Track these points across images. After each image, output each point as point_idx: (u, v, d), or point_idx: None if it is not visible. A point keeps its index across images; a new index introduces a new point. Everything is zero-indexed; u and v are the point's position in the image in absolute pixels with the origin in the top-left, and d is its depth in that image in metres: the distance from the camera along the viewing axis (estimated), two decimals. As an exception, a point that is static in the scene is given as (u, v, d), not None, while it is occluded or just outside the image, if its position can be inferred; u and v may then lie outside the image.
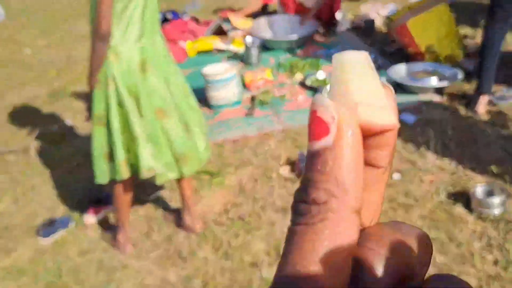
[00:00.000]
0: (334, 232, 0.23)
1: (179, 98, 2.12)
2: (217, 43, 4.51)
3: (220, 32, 4.76)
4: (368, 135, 0.26)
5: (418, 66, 3.58)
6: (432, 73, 3.44)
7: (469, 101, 3.11)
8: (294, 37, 4.40)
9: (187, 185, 2.27)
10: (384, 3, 5.18)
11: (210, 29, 4.74)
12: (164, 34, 4.68)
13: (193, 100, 2.23)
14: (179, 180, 2.25)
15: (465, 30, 4.23)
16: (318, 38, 4.53)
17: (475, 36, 4.10)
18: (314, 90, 3.59)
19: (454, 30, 3.70)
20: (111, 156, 2.06)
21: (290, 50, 4.40)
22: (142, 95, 1.99)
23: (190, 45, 4.56)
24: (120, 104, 1.98)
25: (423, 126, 2.98)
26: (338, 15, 4.49)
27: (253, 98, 3.59)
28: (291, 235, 0.24)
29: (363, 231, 0.25)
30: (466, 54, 3.70)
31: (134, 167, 2.09)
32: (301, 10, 4.66)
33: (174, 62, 2.15)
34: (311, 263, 0.23)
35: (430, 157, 2.71)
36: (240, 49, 4.40)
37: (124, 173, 2.05)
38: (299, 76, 3.87)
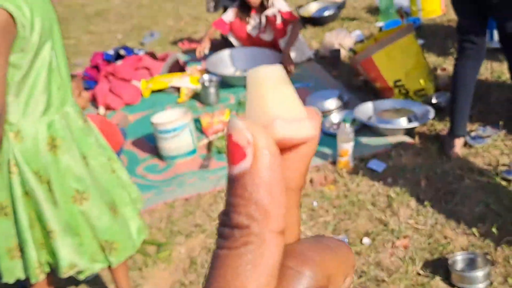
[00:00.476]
0: (257, 255, 0.24)
1: (102, 175, 1.78)
2: (173, 80, 4.19)
3: (177, 67, 4.44)
4: (288, 148, 0.27)
5: (386, 103, 3.30)
6: (402, 111, 3.17)
7: (443, 143, 2.83)
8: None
9: (120, 274, 1.93)
10: (351, 29, 4.93)
11: (167, 64, 4.42)
12: (116, 73, 4.38)
13: (122, 173, 1.90)
14: (109, 267, 1.90)
15: (435, 59, 3.99)
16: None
17: (446, 66, 3.86)
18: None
19: (423, 62, 3.44)
20: (22, 250, 1.71)
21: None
22: (53, 178, 1.64)
23: (145, 84, 4.23)
24: (28, 193, 1.64)
25: (394, 176, 2.69)
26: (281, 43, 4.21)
27: (209, 145, 3.27)
28: (215, 259, 0.24)
29: (285, 249, 0.25)
30: (437, 87, 3.45)
31: (52, 264, 1.74)
32: (256, 43, 4.37)
33: (94, 133, 1.81)
34: None
35: (403, 214, 2.41)
36: (197, 86, 4.09)
37: (39, 274, 1.70)
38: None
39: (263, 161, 0.24)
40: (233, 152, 0.25)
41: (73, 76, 3.29)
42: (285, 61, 3.99)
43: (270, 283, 0.24)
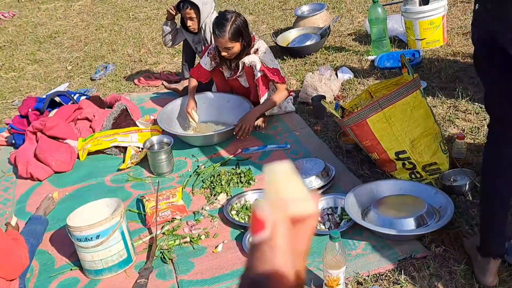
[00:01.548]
0: None
1: None
2: (118, 138, 3.34)
3: (125, 119, 3.58)
4: (298, 221, 0.43)
5: (386, 186, 2.50)
6: (408, 202, 2.36)
7: (472, 262, 2.02)
8: (222, 128, 3.30)
9: None
10: (337, 63, 4.12)
11: (111, 116, 3.57)
12: (46, 129, 3.47)
13: None
14: None
15: (443, 111, 3.19)
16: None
17: (459, 122, 3.06)
18: (243, 228, 2.46)
19: (433, 126, 2.62)
20: None
21: (214, 146, 3.28)
22: None
23: (82, 144, 3.37)
24: None
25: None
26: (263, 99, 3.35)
27: (152, 246, 2.43)
28: None
29: None
30: (452, 161, 2.65)
31: None
32: (235, 87, 3.54)
33: None
34: None
35: None
36: (152, 137, 3.24)
37: None
38: (222, 198, 2.74)
39: (279, 232, 0.40)
40: (256, 225, 0.41)
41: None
42: (248, 118, 3.17)
43: None
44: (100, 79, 4.74)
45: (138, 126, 3.54)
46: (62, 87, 4.58)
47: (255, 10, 5.96)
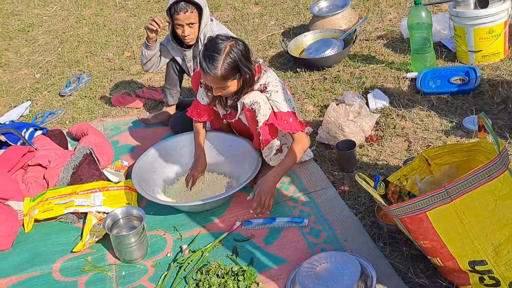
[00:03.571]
0: None
1: None
2: (76, 200, 2.49)
3: (89, 168, 2.72)
4: None
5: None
6: None
7: None
8: (218, 195, 2.44)
9: None
10: (366, 85, 3.20)
11: (71, 162, 2.70)
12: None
13: None
14: None
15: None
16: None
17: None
18: None
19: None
20: None
21: (204, 214, 2.41)
22: None
23: (29, 206, 2.53)
24: None
25: None
26: (267, 151, 2.45)
27: None
28: None
29: None
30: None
31: None
32: (234, 124, 2.64)
33: None
34: None
35: None
36: (115, 209, 2.38)
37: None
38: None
39: None
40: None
41: None
42: (267, 188, 2.27)
43: None
44: (70, 95, 3.85)
45: (104, 179, 2.67)
46: (23, 107, 3.71)
47: (262, -1, 4.99)
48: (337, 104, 2.81)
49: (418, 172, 2.00)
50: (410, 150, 2.57)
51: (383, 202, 1.84)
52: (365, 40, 3.79)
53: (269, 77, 2.33)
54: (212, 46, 2.16)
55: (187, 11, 2.75)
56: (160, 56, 3.02)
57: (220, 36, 2.21)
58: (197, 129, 2.63)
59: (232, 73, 2.17)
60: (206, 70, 2.15)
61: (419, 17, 3.10)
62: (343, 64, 3.51)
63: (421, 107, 2.85)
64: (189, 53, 2.99)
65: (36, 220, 2.49)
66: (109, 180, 2.70)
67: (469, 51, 3.17)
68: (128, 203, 2.49)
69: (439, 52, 3.36)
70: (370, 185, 1.92)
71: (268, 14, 4.69)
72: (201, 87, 2.54)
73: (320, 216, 2.27)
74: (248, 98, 2.30)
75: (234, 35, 2.56)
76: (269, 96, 2.29)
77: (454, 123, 2.66)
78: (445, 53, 3.33)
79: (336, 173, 2.55)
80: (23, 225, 2.51)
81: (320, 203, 2.35)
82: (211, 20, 2.93)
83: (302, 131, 2.35)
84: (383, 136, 2.70)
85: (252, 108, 2.29)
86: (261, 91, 2.30)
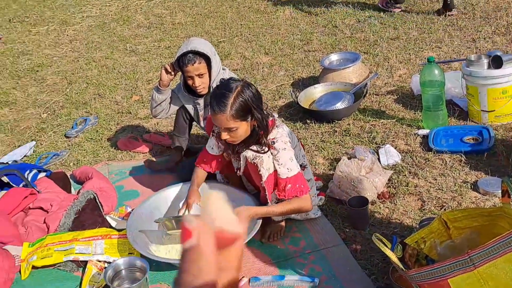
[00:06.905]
0: None
1: None
2: (76, 247, 2.39)
3: (92, 214, 2.64)
4: (225, 242, 0.54)
5: None
6: None
7: None
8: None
9: None
10: (377, 140, 3.16)
11: (74, 207, 2.63)
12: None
13: None
14: None
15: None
16: (265, 240, 2.42)
17: None
18: None
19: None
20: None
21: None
22: None
23: (27, 252, 2.43)
24: None
25: None
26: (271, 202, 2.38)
27: None
28: None
29: None
30: None
31: None
32: (247, 176, 2.58)
33: None
34: None
35: None
36: (117, 259, 2.29)
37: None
38: None
39: (204, 240, 0.50)
40: (185, 234, 0.51)
41: None
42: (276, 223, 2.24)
43: None
44: (76, 136, 3.81)
45: (107, 226, 2.59)
46: (27, 147, 3.66)
47: (272, 50, 5.02)
48: (348, 159, 2.76)
49: (436, 235, 1.93)
50: (423, 210, 2.49)
51: (401, 266, 1.76)
52: (375, 94, 3.78)
53: (279, 133, 2.28)
54: (223, 86, 2.14)
55: (195, 63, 2.73)
56: (170, 103, 2.99)
57: (233, 78, 2.19)
58: (197, 172, 2.57)
59: (241, 114, 2.13)
60: (214, 108, 2.11)
61: (432, 74, 3.09)
62: (353, 118, 3.48)
63: (434, 165, 2.80)
64: (201, 101, 2.97)
65: (33, 267, 2.39)
66: (112, 227, 2.61)
67: (482, 110, 3.14)
68: (131, 253, 2.39)
69: (451, 110, 3.33)
70: (387, 247, 1.84)
71: (278, 64, 4.71)
72: (212, 135, 2.49)
73: (331, 275, 2.18)
74: (251, 151, 2.25)
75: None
76: (275, 154, 2.23)
77: (469, 184, 2.60)
78: (457, 112, 3.31)
79: (347, 230, 2.46)
80: (19, 272, 2.40)
81: (331, 260, 2.26)
82: (223, 69, 2.93)
83: (306, 193, 2.28)
84: (395, 193, 2.63)
85: (254, 163, 2.23)
86: (269, 146, 2.25)
